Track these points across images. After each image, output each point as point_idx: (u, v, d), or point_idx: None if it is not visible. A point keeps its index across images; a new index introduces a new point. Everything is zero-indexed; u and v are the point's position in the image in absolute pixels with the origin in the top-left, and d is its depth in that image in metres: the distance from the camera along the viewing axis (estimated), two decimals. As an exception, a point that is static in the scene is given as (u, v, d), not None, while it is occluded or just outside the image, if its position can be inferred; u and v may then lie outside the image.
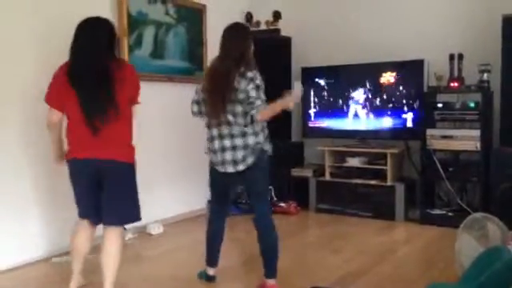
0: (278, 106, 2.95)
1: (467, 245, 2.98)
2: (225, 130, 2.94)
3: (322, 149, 5.20)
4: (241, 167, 2.92)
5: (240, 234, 4.24)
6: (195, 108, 3.09)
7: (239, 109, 2.90)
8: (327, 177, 5.15)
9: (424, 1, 5.04)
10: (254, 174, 2.97)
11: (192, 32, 4.97)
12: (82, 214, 2.90)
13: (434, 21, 4.95)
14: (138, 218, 2.94)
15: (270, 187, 5.13)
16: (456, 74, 4.51)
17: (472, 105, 4.37)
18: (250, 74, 2.91)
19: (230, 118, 2.91)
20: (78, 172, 2.81)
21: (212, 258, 3.20)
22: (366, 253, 3.82)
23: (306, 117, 5.45)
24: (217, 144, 2.97)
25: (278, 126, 5.35)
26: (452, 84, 4.48)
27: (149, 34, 4.52)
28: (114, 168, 2.78)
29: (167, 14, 4.70)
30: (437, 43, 4.84)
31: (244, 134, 2.92)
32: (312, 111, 5.39)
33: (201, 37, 5.07)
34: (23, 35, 3.55)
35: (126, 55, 4.25)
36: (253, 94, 2.89)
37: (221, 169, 2.98)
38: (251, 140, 2.92)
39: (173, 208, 4.81)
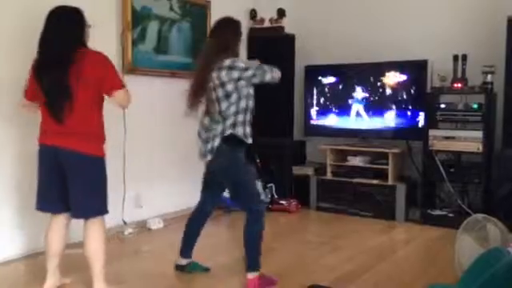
0: None
1: (467, 246, 2.97)
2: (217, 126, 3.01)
3: (324, 147, 5.20)
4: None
5: (239, 231, 4.23)
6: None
7: (224, 106, 2.96)
8: (328, 175, 5.15)
9: (429, 1, 5.02)
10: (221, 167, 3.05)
11: (196, 28, 4.97)
12: (38, 204, 2.88)
13: (438, 21, 4.93)
14: (102, 211, 2.87)
15: (266, 184, 5.17)
16: (459, 74, 4.50)
17: (475, 106, 4.36)
18: (227, 63, 2.93)
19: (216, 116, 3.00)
20: (41, 158, 2.83)
21: (182, 248, 3.29)
22: (365, 252, 3.82)
23: (308, 115, 5.44)
24: (203, 135, 3.14)
25: (281, 123, 5.40)
26: (455, 85, 4.47)
27: (153, 29, 4.51)
28: (75, 159, 2.74)
29: (171, 9, 4.69)
30: (441, 44, 4.83)
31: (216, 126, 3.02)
32: (314, 109, 5.39)
33: (205, 33, 5.04)
34: (23, 27, 3.52)
35: (129, 50, 4.26)
36: (249, 73, 2.93)
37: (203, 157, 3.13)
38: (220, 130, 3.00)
39: (173, 203, 4.81)
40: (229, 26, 3.10)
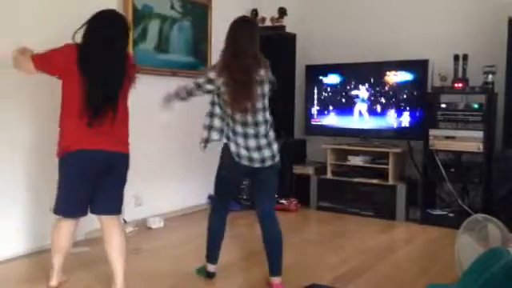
0: None
1: (467, 246, 2.97)
2: (260, 128, 2.96)
3: (325, 147, 5.20)
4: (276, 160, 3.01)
5: (240, 230, 4.25)
6: (209, 87, 2.94)
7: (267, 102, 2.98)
8: (329, 175, 5.15)
9: (430, 1, 5.02)
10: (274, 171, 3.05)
11: (197, 27, 4.97)
12: (74, 212, 2.86)
13: (439, 21, 4.93)
14: (120, 210, 2.98)
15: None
16: (460, 74, 4.50)
17: (476, 106, 4.36)
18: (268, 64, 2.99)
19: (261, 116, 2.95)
20: (83, 164, 2.75)
21: (213, 255, 3.18)
22: (365, 252, 3.82)
23: (308, 114, 5.44)
24: (252, 143, 2.93)
25: (281, 122, 5.39)
26: (456, 85, 4.47)
27: (154, 27, 4.51)
28: (122, 160, 2.85)
29: (173, 8, 4.69)
30: (442, 43, 4.83)
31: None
32: (315, 109, 5.38)
33: (206, 32, 5.06)
34: (25, 21, 3.50)
35: (130, 48, 4.25)
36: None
37: (256, 164, 2.96)
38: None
39: (174, 202, 4.82)
40: (256, 26, 3.10)
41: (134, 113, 4.25)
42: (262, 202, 3.05)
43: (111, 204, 2.87)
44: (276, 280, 2.99)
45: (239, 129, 2.93)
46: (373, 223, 4.70)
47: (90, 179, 2.78)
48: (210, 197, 5.12)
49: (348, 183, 5.03)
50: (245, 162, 2.94)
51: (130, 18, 4.22)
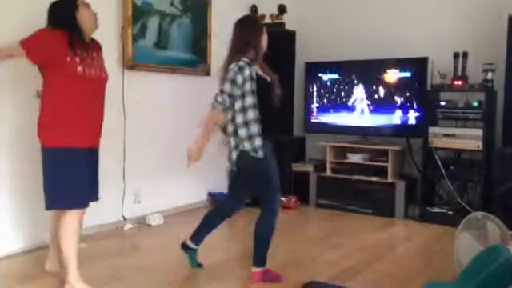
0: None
1: (466, 244, 2.97)
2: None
3: (324, 144, 5.20)
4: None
5: (241, 227, 4.25)
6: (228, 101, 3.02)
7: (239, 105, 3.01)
8: (328, 172, 5.15)
9: (430, -2, 5.02)
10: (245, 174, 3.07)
11: (197, 24, 4.96)
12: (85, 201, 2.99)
13: (439, 19, 4.92)
14: (47, 206, 2.86)
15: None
16: (460, 72, 4.49)
17: (475, 104, 4.36)
18: (231, 66, 2.96)
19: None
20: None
21: (198, 235, 3.30)
22: (364, 249, 3.82)
23: (308, 112, 5.44)
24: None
25: (280, 120, 5.39)
26: (456, 82, 4.47)
27: (153, 24, 4.50)
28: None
29: (172, 4, 4.68)
30: (441, 41, 4.82)
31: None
32: (314, 106, 5.38)
33: (205, 29, 5.05)
34: (20, 17, 3.48)
35: (129, 45, 4.24)
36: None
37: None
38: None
39: (173, 199, 4.82)
40: (243, 23, 3.15)
41: (134, 110, 4.28)
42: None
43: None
44: (253, 269, 3.09)
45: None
46: (372, 221, 4.70)
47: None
48: (209, 194, 5.14)
49: (347, 181, 5.03)
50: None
51: (128, 14, 4.21)
